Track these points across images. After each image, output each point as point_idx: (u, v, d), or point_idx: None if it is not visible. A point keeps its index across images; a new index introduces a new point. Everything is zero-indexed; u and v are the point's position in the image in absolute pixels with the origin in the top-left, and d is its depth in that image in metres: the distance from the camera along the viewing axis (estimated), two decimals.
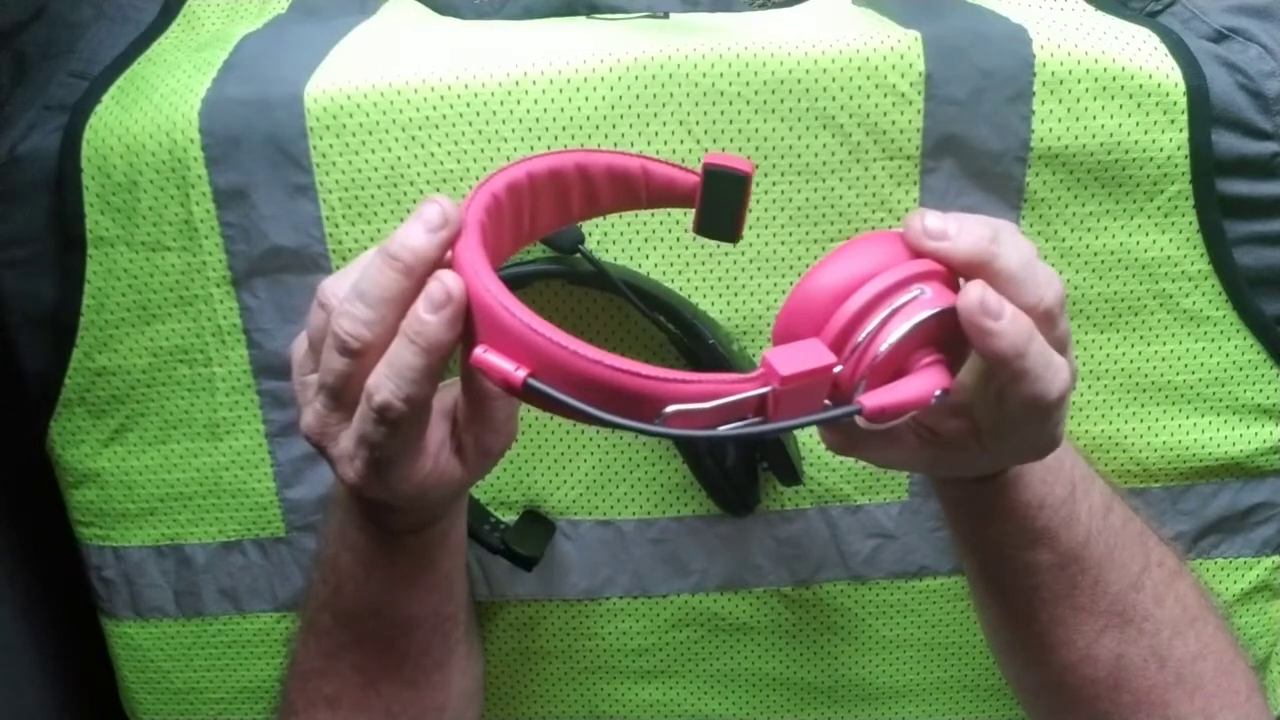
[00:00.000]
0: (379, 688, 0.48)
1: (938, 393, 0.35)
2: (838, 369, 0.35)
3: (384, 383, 0.35)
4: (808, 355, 0.34)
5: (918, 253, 0.36)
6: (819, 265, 0.36)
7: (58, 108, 0.53)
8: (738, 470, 0.55)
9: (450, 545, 0.47)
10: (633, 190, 0.42)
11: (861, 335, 0.35)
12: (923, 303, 0.35)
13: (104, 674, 0.62)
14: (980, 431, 0.39)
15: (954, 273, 0.36)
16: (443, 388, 0.40)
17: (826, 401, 0.35)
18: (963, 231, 0.36)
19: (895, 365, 0.35)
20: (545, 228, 0.42)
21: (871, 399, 0.35)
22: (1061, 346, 0.37)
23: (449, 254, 0.35)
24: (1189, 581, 0.49)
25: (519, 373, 0.32)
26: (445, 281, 0.34)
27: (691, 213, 0.43)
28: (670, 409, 0.32)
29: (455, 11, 0.60)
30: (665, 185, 0.42)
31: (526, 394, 0.33)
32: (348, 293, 0.36)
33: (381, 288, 0.35)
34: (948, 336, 0.36)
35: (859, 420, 0.35)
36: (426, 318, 0.34)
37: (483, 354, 0.33)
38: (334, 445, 0.38)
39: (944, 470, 0.44)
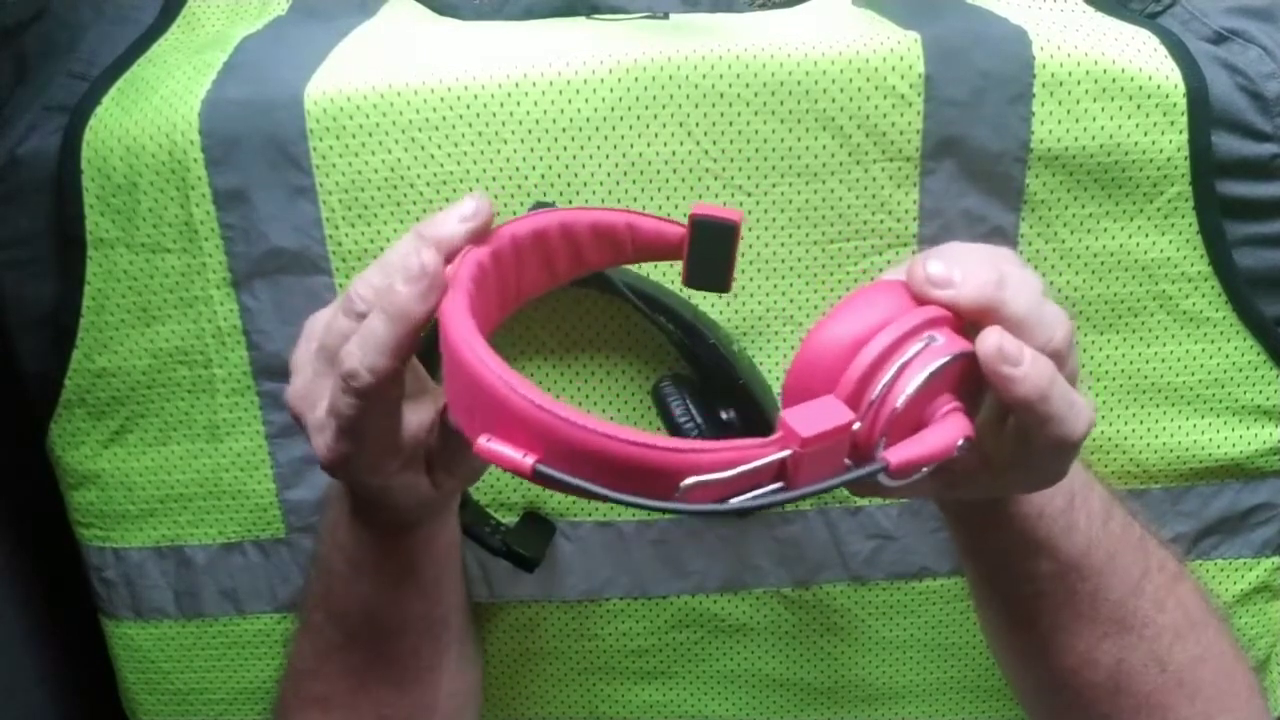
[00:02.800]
0: (369, 689, 0.49)
1: (960, 442, 0.35)
2: (856, 425, 0.34)
3: (353, 350, 0.35)
4: (825, 414, 0.33)
5: (922, 299, 0.36)
6: (826, 319, 0.35)
7: (58, 109, 0.53)
8: None
9: (435, 551, 0.47)
10: (618, 246, 0.42)
11: (877, 389, 0.34)
12: (935, 351, 0.34)
13: (104, 675, 0.62)
14: (993, 463, 0.39)
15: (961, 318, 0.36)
16: (419, 401, 0.40)
17: (847, 461, 0.34)
18: (967, 278, 0.35)
19: (914, 416, 0.35)
20: (530, 291, 0.42)
21: (895, 454, 0.34)
22: (1071, 383, 0.37)
23: (439, 312, 0.35)
24: (1190, 585, 0.49)
25: (527, 459, 0.31)
26: (423, 257, 0.35)
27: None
28: (688, 481, 0.31)
29: (455, 12, 0.60)
30: (652, 238, 0.42)
31: (537, 479, 0.32)
32: (373, 263, 0.37)
33: (400, 258, 0.36)
34: (963, 380, 0.35)
35: (883, 478, 0.34)
36: (400, 289, 0.35)
37: (486, 444, 0.32)
38: (312, 413, 0.39)
39: (951, 495, 0.44)
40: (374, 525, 0.45)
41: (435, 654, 0.50)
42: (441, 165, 0.50)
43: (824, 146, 0.50)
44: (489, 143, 0.50)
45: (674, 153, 0.50)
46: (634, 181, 0.50)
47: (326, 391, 0.38)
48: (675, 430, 0.49)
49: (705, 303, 0.53)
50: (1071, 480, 0.46)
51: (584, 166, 0.50)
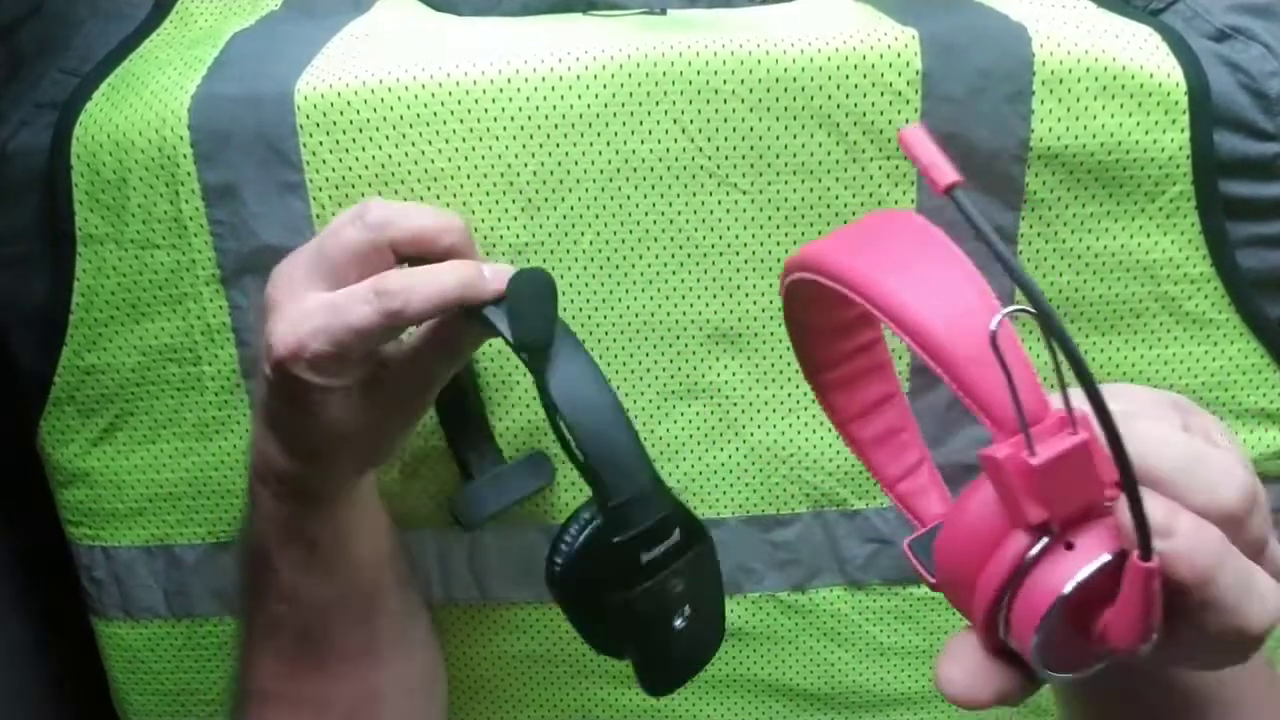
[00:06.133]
0: (303, 675, 0.49)
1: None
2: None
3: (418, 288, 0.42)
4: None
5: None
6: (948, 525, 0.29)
7: (49, 105, 0.52)
8: None
9: (342, 530, 0.48)
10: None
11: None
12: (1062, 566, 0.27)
13: (95, 675, 0.62)
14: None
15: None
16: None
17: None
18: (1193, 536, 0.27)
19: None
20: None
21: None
22: (1256, 550, 0.29)
23: None
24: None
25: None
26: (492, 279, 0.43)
27: None
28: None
29: (452, 8, 0.60)
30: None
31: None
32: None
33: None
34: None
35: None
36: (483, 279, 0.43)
37: None
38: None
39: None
40: (281, 507, 0.46)
41: (368, 637, 0.50)
42: (432, 161, 0.49)
43: (820, 144, 0.49)
44: (480, 138, 0.49)
45: (668, 149, 0.50)
46: (627, 179, 0.50)
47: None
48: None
49: (700, 302, 0.52)
50: None
51: (576, 163, 0.50)
